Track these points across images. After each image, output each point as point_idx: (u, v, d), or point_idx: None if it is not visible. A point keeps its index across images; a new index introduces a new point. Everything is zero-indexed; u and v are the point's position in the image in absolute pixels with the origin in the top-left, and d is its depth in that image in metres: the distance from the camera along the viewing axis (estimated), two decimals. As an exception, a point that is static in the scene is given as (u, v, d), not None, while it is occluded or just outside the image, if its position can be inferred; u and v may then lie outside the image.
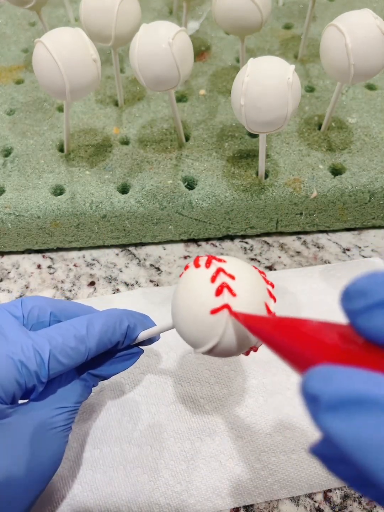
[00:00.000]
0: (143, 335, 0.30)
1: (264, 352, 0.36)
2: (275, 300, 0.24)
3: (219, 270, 0.22)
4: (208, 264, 0.23)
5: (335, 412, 0.12)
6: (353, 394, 0.11)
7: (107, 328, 0.28)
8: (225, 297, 0.21)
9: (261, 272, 0.25)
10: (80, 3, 0.40)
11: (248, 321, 0.20)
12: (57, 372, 0.26)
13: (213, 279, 0.22)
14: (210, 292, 0.22)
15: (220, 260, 0.23)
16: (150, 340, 0.32)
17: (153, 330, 0.30)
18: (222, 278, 0.22)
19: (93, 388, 0.31)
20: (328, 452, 0.13)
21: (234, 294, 0.21)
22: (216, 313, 0.21)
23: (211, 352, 0.23)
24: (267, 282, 0.24)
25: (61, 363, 0.26)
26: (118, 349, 0.30)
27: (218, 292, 0.22)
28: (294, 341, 0.15)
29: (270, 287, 0.24)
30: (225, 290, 0.21)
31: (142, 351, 0.31)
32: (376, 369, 0.12)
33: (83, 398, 0.29)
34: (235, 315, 0.21)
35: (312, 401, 0.12)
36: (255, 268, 0.24)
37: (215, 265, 0.23)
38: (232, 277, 0.22)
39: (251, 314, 0.21)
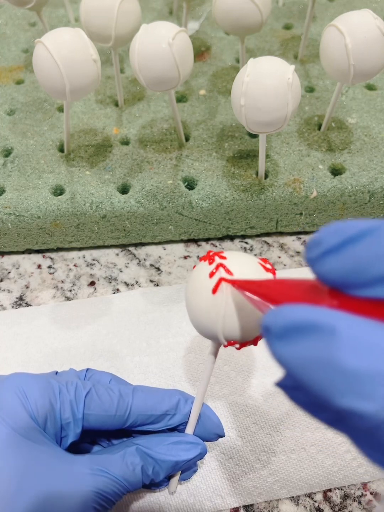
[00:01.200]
0: (194, 410, 0.28)
1: (264, 352, 0.36)
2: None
3: (216, 255, 0.23)
4: (207, 258, 0.24)
5: (282, 339, 0.13)
6: (296, 322, 0.13)
7: (154, 393, 0.28)
8: (221, 273, 0.22)
9: (265, 261, 0.25)
10: (80, 3, 0.40)
11: (241, 284, 0.21)
12: (95, 418, 0.26)
13: (210, 264, 0.23)
14: (208, 277, 0.23)
15: (221, 254, 0.24)
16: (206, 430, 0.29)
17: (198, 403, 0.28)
18: (217, 261, 0.23)
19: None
20: (288, 382, 0.15)
21: (230, 272, 0.22)
22: (216, 292, 0.22)
23: (221, 337, 0.23)
24: (267, 269, 0.24)
25: (99, 402, 0.27)
26: (171, 429, 0.29)
27: (213, 273, 0.23)
28: (271, 293, 0.17)
29: (271, 275, 0.24)
30: (220, 268, 0.22)
31: (204, 445, 0.29)
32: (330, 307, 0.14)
33: (126, 475, 0.26)
34: (230, 282, 0.22)
35: (266, 332, 0.14)
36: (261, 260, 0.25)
37: (215, 257, 0.24)
38: (226, 258, 0.23)
39: (244, 279, 0.21)
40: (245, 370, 0.36)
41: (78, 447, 0.29)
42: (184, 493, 0.32)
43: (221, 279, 0.22)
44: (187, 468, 0.30)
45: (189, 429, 0.28)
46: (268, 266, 0.24)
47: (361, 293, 0.13)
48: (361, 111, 0.46)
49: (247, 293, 0.19)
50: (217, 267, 0.23)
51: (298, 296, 0.16)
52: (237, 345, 0.24)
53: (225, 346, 0.24)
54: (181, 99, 0.49)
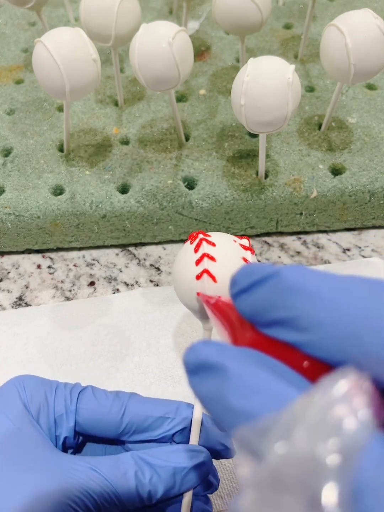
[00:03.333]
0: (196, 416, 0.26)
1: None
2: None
3: (202, 240, 0.25)
4: (193, 238, 0.25)
5: (193, 374, 0.15)
6: (200, 361, 0.15)
7: (152, 399, 0.27)
8: (204, 264, 0.24)
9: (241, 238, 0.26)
10: (80, 3, 0.40)
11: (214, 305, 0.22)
12: (88, 413, 0.26)
13: (196, 248, 0.25)
14: (194, 264, 0.25)
15: (205, 235, 0.25)
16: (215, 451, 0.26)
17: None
18: (204, 247, 0.25)
19: None
20: None
21: (213, 259, 0.24)
22: (200, 279, 0.24)
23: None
24: (246, 248, 0.25)
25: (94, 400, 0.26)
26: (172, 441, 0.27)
27: (198, 261, 0.24)
28: (226, 315, 0.18)
29: (249, 255, 0.25)
30: (205, 258, 0.24)
31: (207, 453, 0.25)
32: (244, 343, 0.16)
33: (116, 478, 0.23)
34: (205, 298, 0.23)
35: (184, 367, 0.15)
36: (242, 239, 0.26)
37: (199, 238, 0.25)
38: (213, 244, 0.25)
39: (221, 300, 0.22)
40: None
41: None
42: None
43: (205, 271, 0.24)
44: (197, 505, 0.26)
45: (193, 438, 0.26)
46: (245, 243, 0.25)
47: (265, 331, 0.15)
48: (362, 111, 0.46)
49: (211, 311, 0.21)
50: (201, 257, 0.24)
51: (232, 324, 0.17)
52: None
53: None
54: (181, 98, 0.49)
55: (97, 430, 0.26)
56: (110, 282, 0.42)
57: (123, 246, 0.45)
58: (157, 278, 0.43)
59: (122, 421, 0.26)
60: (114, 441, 0.27)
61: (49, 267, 0.44)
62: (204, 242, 0.25)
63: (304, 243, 0.44)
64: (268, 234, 0.45)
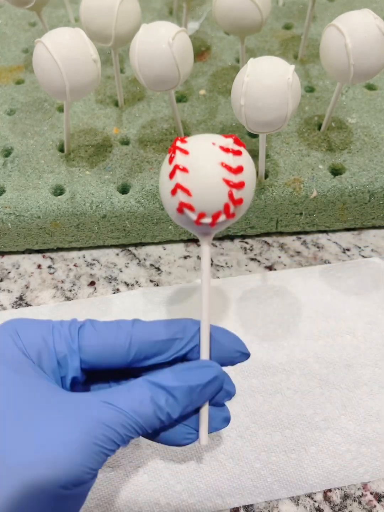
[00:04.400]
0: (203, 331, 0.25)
1: (264, 351, 0.36)
2: (239, 170, 0.23)
3: (175, 148, 0.23)
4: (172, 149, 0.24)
5: None
6: None
7: (157, 322, 0.26)
8: (177, 177, 0.23)
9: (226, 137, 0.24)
10: (80, 3, 0.40)
11: None
12: (93, 350, 0.24)
13: (170, 159, 0.23)
14: (168, 174, 0.23)
15: (182, 141, 0.24)
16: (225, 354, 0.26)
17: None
18: (177, 157, 0.23)
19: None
20: None
21: (185, 152, 0.23)
22: (175, 194, 0.23)
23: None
24: (226, 150, 0.23)
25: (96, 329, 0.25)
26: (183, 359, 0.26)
27: (171, 174, 0.23)
28: None
29: (230, 158, 0.23)
30: (177, 171, 0.23)
31: (220, 368, 0.25)
32: None
33: (134, 407, 0.23)
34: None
35: None
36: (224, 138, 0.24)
37: (174, 146, 0.23)
38: (186, 152, 0.23)
39: None
40: (245, 369, 0.36)
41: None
42: (184, 493, 0.32)
43: (178, 186, 0.22)
44: (215, 413, 0.26)
45: (204, 353, 0.25)
46: (227, 143, 0.23)
47: None
48: (361, 111, 0.46)
49: None
50: (174, 169, 0.23)
51: None
52: (209, 220, 0.23)
53: (196, 222, 0.23)
54: (181, 99, 0.49)
55: (105, 364, 0.25)
56: (110, 282, 0.42)
57: (123, 246, 0.45)
58: (157, 278, 0.43)
59: (130, 351, 0.25)
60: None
61: (49, 267, 0.44)
62: (177, 151, 0.23)
63: (304, 243, 0.44)
64: (268, 234, 0.45)
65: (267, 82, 0.32)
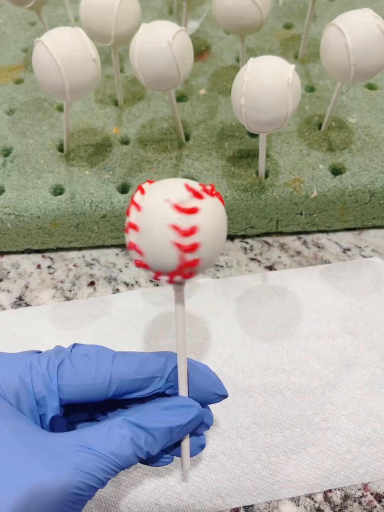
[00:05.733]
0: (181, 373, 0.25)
1: (264, 352, 0.36)
2: (191, 232, 0.21)
3: (132, 203, 0.22)
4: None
5: None
6: None
7: (138, 356, 0.26)
8: (130, 235, 0.22)
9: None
10: (80, 3, 0.40)
11: None
12: (71, 389, 0.24)
13: (127, 213, 0.22)
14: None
15: (142, 191, 0.22)
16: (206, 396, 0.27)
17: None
18: (132, 214, 0.22)
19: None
20: None
21: (136, 229, 0.21)
22: (131, 249, 0.22)
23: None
24: (181, 210, 0.21)
25: (75, 371, 0.24)
26: (162, 394, 0.26)
27: (126, 230, 0.22)
28: None
29: (183, 219, 0.20)
30: (130, 229, 0.22)
31: (199, 407, 0.25)
32: None
33: (113, 449, 0.23)
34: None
35: None
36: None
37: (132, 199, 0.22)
38: (139, 209, 0.21)
39: None
40: (245, 370, 0.36)
41: (69, 427, 0.27)
42: (184, 494, 0.32)
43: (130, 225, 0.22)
44: (192, 441, 0.27)
45: (181, 390, 0.26)
46: (182, 198, 0.21)
47: None
48: (362, 111, 0.46)
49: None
50: (127, 227, 0.22)
51: None
52: (166, 278, 0.22)
53: (155, 278, 0.22)
54: (181, 98, 0.49)
55: (84, 399, 0.25)
56: (110, 282, 0.42)
57: (123, 246, 0.45)
58: (157, 278, 0.43)
59: (109, 389, 0.25)
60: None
61: (49, 267, 0.44)
62: (132, 207, 0.22)
63: (304, 243, 0.44)
64: (268, 234, 0.45)
65: (267, 81, 0.32)
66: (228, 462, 0.33)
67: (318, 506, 0.32)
